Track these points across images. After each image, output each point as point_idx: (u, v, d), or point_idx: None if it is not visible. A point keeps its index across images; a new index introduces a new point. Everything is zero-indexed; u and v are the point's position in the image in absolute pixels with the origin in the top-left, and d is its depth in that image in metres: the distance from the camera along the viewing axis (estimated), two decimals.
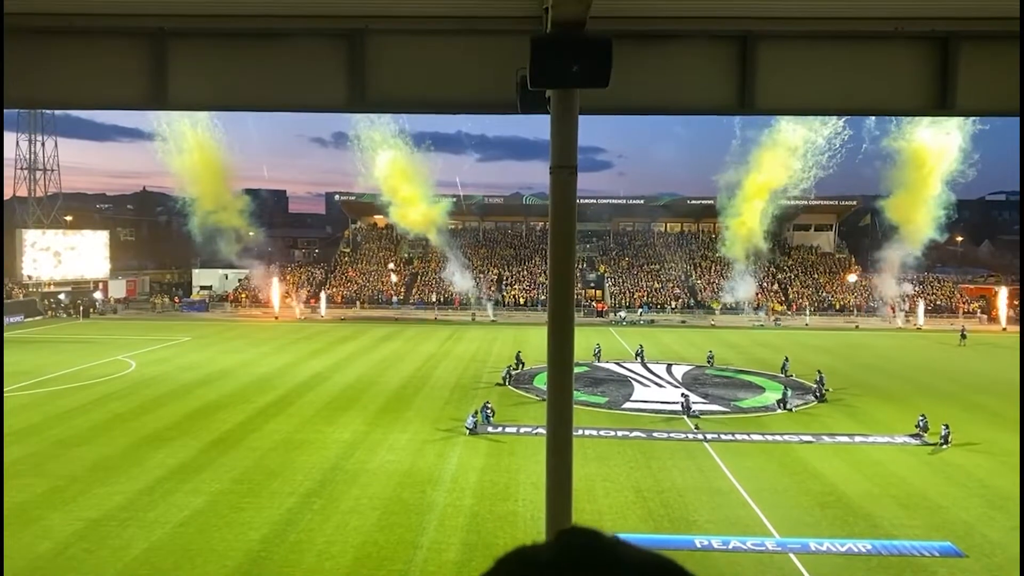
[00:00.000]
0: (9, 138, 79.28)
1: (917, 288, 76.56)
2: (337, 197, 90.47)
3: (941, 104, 9.41)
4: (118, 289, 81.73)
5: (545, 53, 7.82)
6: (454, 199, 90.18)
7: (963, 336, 55.75)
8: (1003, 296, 69.74)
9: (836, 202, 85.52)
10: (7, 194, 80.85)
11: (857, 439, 27.59)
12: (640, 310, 72.89)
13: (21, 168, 77.06)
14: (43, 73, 9.53)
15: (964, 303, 74.49)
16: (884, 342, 57.36)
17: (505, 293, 78.91)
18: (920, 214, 70.59)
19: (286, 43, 9.54)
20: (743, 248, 74.63)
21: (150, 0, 8.95)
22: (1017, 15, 8.02)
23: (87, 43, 9.51)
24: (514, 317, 71.02)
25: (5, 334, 55.49)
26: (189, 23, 9.33)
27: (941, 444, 26.27)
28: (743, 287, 74.88)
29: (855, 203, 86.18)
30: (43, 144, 77.75)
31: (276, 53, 9.54)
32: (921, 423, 27.35)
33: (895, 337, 61.18)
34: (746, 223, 73.49)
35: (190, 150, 70.43)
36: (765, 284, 79.40)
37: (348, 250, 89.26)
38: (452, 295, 77.36)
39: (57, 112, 75.88)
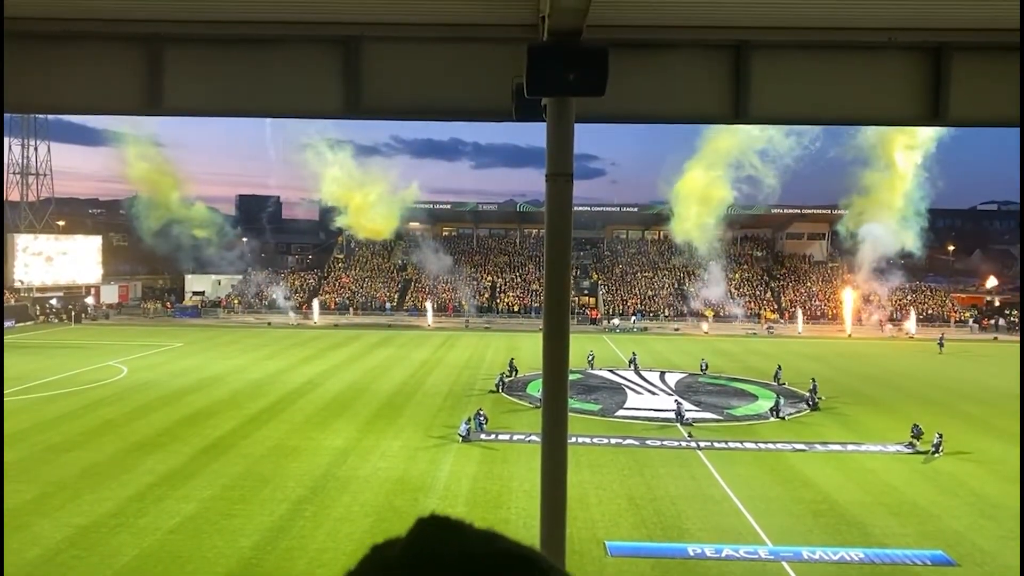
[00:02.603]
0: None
1: (909, 297, 76.98)
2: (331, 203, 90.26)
3: (934, 114, 9.46)
4: (110, 294, 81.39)
5: (542, 62, 7.84)
6: (448, 206, 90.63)
7: (941, 345, 56.20)
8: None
9: (829, 211, 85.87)
10: None
11: (849, 447, 27.65)
12: (633, 317, 72.97)
13: (14, 173, 76.82)
14: (38, 78, 9.50)
15: (955, 312, 74.82)
16: (876, 351, 57.53)
17: (499, 300, 78.92)
18: (911, 224, 71.19)
19: (282, 49, 9.54)
20: (732, 254, 75.20)
21: (146, 5, 8.94)
22: (1011, 26, 8.08)
23: (82, 48, 9.48)
24: (508, 324, 70.99)
25: None
26: (185, 29, 9.32)
27: (933, 453, 26.34)
28: (735, 296, 75.28)
29: (847, 212, 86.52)
30: (36, 149, 77.60)
31: (272, 59, 9.54)
32: (915, 432, 27.41)
33: (887, 346, 61.37)
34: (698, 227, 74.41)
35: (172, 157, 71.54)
36: (758, 292, 79.68)
37: (341, 256, 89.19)
38: (446, 301, 77.40)
39: (50, 117, 75.76)
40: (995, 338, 66.03)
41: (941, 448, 26.39)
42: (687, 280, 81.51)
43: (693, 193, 73.02)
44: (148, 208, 75.97)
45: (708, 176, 71.73)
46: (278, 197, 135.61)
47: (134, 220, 77.85)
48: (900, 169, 71.82)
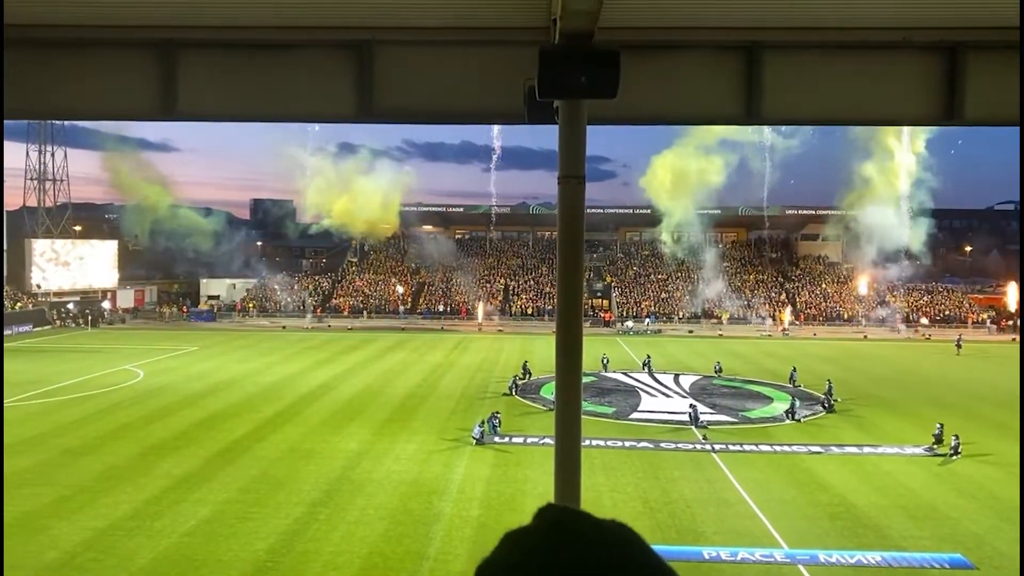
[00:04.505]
0: (19, 149, 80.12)
1: (926, 298, 76.40)
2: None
3: (948, 114, 9.39)
4: (126, 299, 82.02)
5: (553, 64, 7.84)
6: (460, 209, 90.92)
7: (959, 346, 55.65)
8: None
9: (844, 212, 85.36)
10: (17, 204, 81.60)
11: (866, 450, 27.44)
12: (647, 320, 72.78)
13: (31, 179, 77.57)
14: (53, 84, 9.60)
15: (973, 313, 74.14)
16: (892, 352, 57.10)
17: (512, 302, 78.92)
18: (927, 225, 70.78)
19: (295, 54, 9.59)
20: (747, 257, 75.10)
21: (160, 11, 9.01)
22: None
23: (97, 54, 9.57)
24: (521, 327, 70.95)
25: (14, 343, 55.73)
26: (199, 34, 9.39)
27: (951, 455, 26.10)
28: (750, 298, 75.06)
29: (862, 212, 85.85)
30: (52, 155, 78.30)
31: (285, 64, 9.59)
32: (937, 433, 27.11)
33: (904, 347, 60.89)
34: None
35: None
36: (773, 294, 79.27)
37: (355, 260, 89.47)
38: (459, 304, 77.51)
39: (66, 122, 76.57)
40: (1013, 339, 65.35)
41: (960, 450, 26.15)
42: (700, 282, 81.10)
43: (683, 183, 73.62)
44: (160, 214, 77.15)
45: (698, 164, 72.53)
46: (292, 201, 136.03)
47: (146, 225, 79.02)
48: (915, 169, 71.43)
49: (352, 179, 78.75)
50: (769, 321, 71.14)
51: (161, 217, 78.03)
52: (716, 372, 44.22)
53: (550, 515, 1.18)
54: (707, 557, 17.78)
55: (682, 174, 73.52)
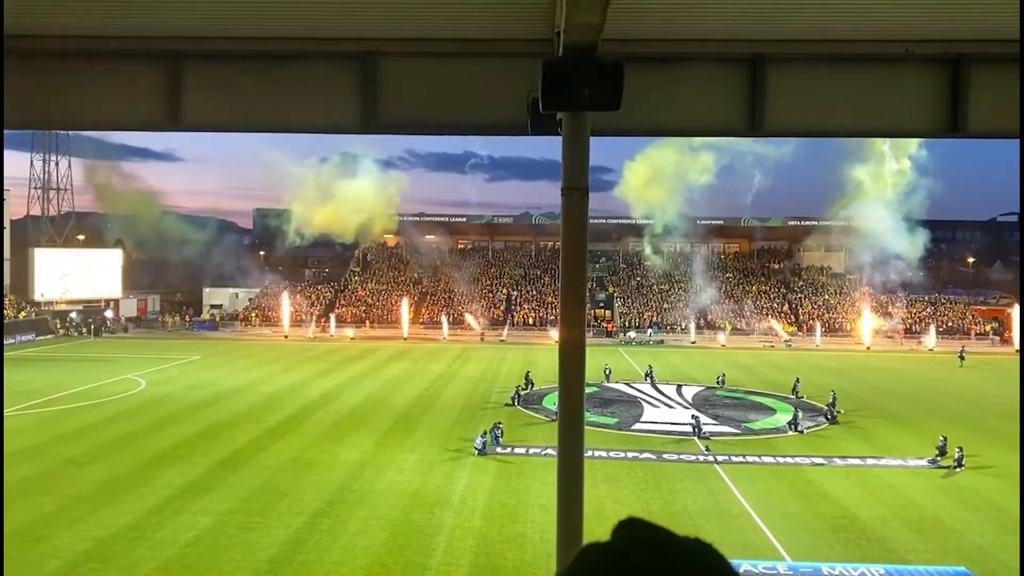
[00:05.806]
0: (24, 158, 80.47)
1: (929, 309, 76.27)
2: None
3: (952, 127, 9.41)
4: (129, 308, 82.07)
5: (557, 76, 7.87)
6: (463, 219, 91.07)
7: (962, 357, 55.48)
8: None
9: (847, 223, 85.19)
10: (21, 213, 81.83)
11: (869, 461, 27.35)
12: (649, 330, 72.71)
13: (35, 188, 77.80)
14: (59, 95, 9.65)
15: (976, 324, 73.97)
16: (895, 364, 56.98)
17: (514, 313, 78.87)
18: (930, 236, 70.78)
19: (300, 65, 9.65)
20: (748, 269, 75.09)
21: (165, 23, 9.06)
22: None
23: (103, 65, 9.63)
24: (523, 337, 70.90)
25: (17, 352, 55.77)
26: (204, 45, 9.44)
27: (955, 467, 26.00)
28: (752, 308, 75.00)
29: (864, 223, 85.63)
30: (57, 164, 78.58)
31: (289, 75, 9.64)
32: (941, 445, 27.00)
33: (906, 359, 60.77)
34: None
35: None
36: (775, 305, 79.17)
37: (358, 269, 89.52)
38: (461, 314, 77.51)
39: (70, 132, 76.85)
40: (1017, 351, 65.19)
41: (963, 462, 26.05)
42: (702, 292, 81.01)
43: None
44: (162, 223, 77.63)
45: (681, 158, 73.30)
46: (294, 211, 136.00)
47: (149, 235, 79.36)
48: (918, 180, 71.58)
49: (354, 189, 78.99)
50: (771, 322, 71.56)
51: (163, 227, 78.50)
52: (719, 383, 44.14)
53: (632, 531, 1.19)
54: None
55: (675, 180, 73.91)
